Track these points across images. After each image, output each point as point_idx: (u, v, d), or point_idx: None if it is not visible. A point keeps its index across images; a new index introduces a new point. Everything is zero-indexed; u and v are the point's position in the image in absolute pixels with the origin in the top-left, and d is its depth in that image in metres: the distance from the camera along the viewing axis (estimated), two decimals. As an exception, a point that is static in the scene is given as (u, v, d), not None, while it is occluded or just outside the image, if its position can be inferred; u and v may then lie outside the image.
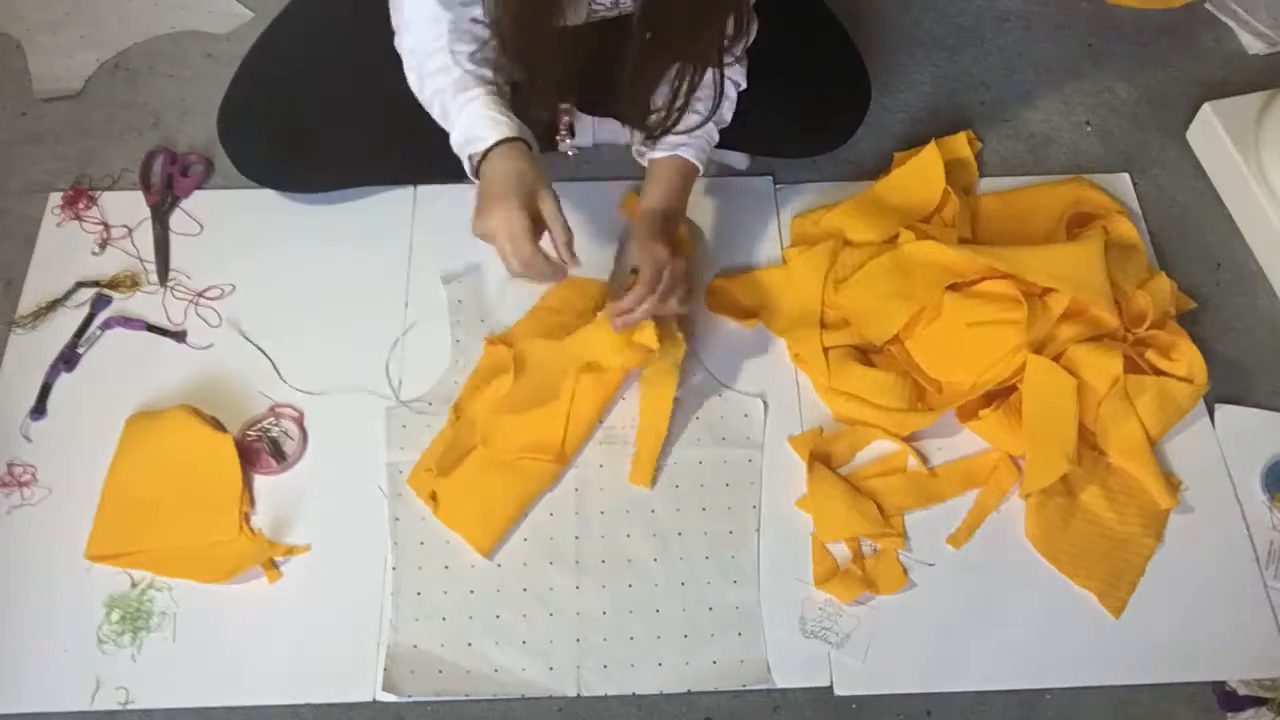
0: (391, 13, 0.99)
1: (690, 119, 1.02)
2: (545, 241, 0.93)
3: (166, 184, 1.22)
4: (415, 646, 0.97)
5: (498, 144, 0.92)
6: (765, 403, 1.10)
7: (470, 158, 0.95)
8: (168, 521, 1.00)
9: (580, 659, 0.97)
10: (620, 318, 0.98)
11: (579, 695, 0.95)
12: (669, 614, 0.99)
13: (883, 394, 1.05)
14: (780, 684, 0.96)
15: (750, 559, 1.02)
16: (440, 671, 0.96)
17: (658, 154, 1.06)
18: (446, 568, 1.01)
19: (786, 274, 1.16)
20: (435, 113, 0.97)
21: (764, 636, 0.98)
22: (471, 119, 0.93)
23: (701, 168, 1.07)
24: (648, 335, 0.99)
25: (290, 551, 1.00)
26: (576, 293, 1.14)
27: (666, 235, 1.03)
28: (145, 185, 1.22)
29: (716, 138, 1.07)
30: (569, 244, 0.93)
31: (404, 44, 0.98)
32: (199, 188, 1.22)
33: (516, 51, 0.95)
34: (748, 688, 0.96)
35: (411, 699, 0.95)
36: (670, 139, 1.05)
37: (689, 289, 1.06)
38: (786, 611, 0.99)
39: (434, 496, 1.02)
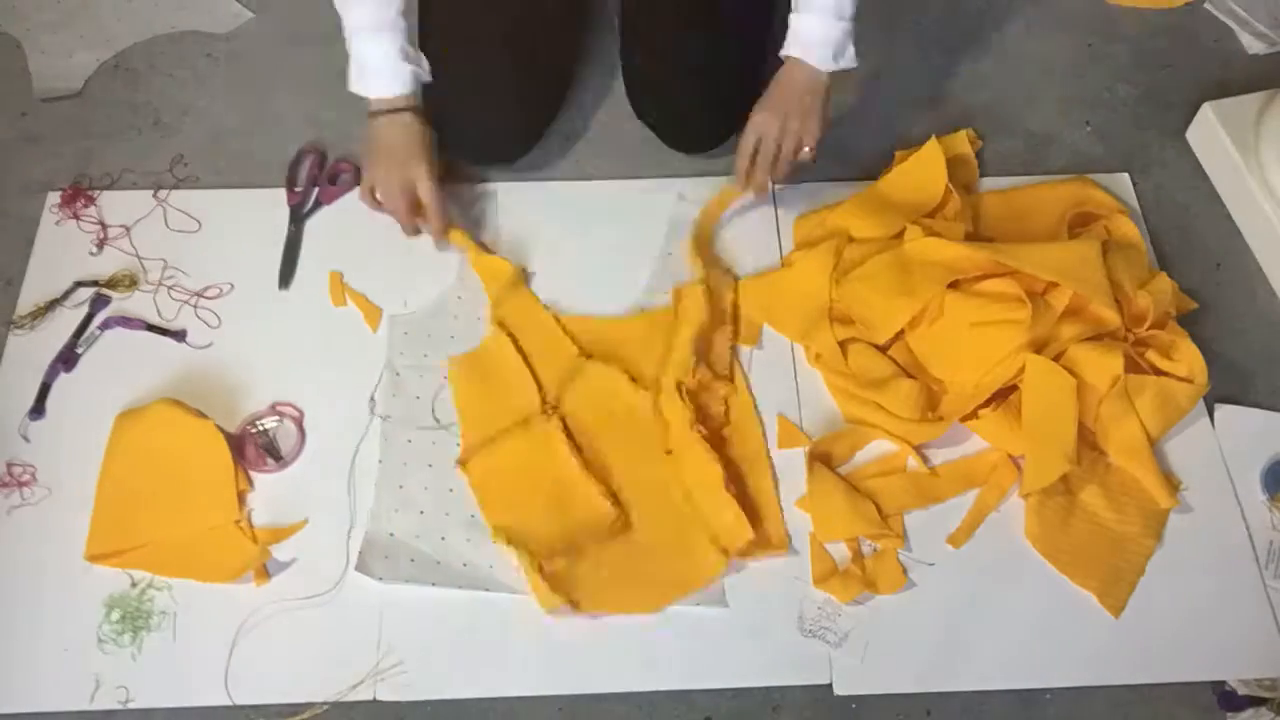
0: None
1: None
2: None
3: (311, 186, 1.21)
4: (392, 535, 1.00)
5: (393, 110, 1.06)
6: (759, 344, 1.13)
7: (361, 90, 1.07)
8: (165, 512, 1.00)
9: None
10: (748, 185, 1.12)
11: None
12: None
13: (900, 404, 1.04)
14: (779, 683, 0.96)
15: None
16: (412, 560, 0.99)
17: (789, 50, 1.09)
18: (430, 465, 1.04)
19: (792, 276, 1.15)
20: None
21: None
22: (370, 55, 1.05)
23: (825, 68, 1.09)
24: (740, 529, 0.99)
25: (290, 531, 1.00)
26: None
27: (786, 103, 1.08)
28: (290, 184, 1.21)
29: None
30: (443, 231, 1.11)
31: None
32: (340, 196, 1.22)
33: None
34: (701, 605, 0.98)
35: (383, 580, 0.97)
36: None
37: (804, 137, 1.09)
38: (785, 611, 0.99)
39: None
